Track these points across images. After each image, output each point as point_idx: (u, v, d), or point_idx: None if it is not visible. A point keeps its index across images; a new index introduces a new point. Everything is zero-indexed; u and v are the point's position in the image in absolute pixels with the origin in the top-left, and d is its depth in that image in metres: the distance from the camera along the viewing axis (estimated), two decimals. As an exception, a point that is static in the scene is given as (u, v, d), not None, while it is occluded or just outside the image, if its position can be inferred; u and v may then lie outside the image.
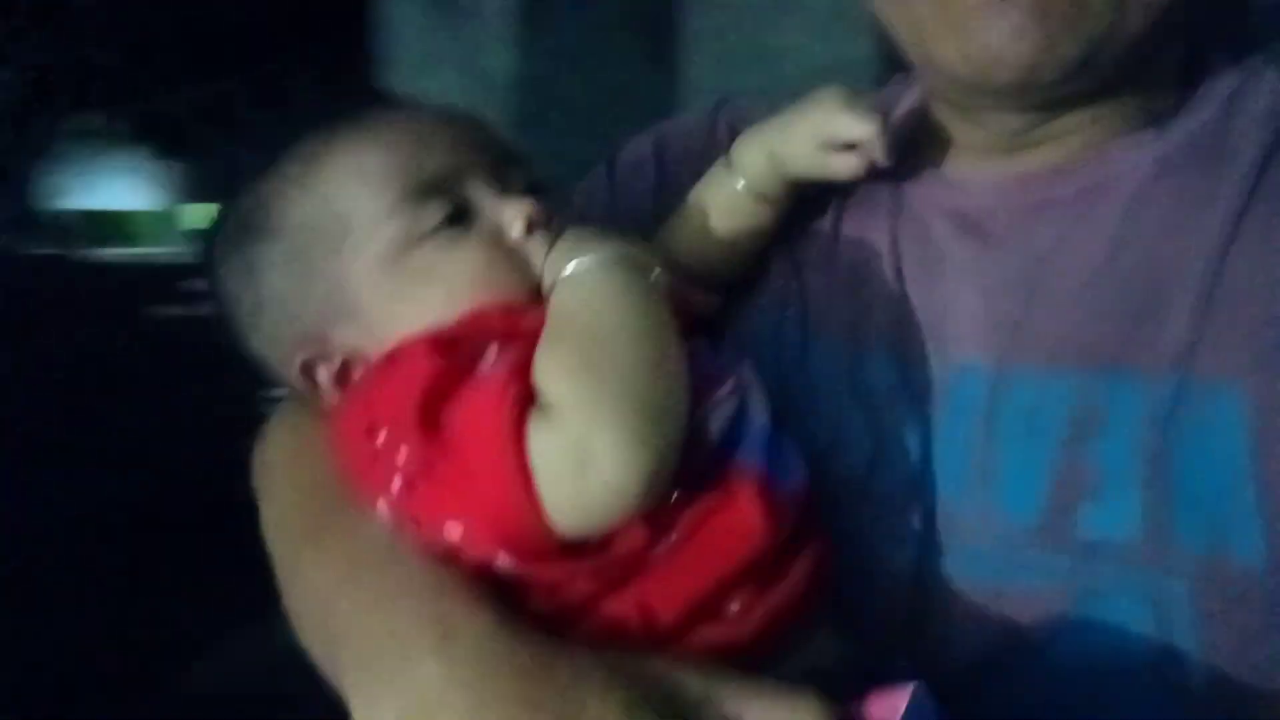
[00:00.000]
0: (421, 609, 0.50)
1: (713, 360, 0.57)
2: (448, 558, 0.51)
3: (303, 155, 0.61)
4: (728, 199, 0.64)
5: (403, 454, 0.52)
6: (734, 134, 0.67)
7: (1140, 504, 0.51)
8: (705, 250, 0.65)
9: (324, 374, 0.60)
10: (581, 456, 0.48)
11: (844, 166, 0.60)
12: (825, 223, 0.67)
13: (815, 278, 0.66)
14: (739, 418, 0.54)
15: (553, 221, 0.60)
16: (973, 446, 0.56)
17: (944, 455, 0.57)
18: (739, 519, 0.51)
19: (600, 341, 0.51)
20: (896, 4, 0.59)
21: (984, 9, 0.54)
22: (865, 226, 0.65)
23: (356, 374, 0.60)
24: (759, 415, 0.55)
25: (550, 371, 0.50)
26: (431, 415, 0.51)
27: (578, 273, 0.54)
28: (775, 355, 0.64)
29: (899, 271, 0.63)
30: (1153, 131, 0.59)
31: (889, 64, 0.67)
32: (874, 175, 0.62)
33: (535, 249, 0.59)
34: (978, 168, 0.63)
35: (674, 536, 0.51)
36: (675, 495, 0.51)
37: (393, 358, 0.56)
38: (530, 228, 0.59)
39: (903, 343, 0.61)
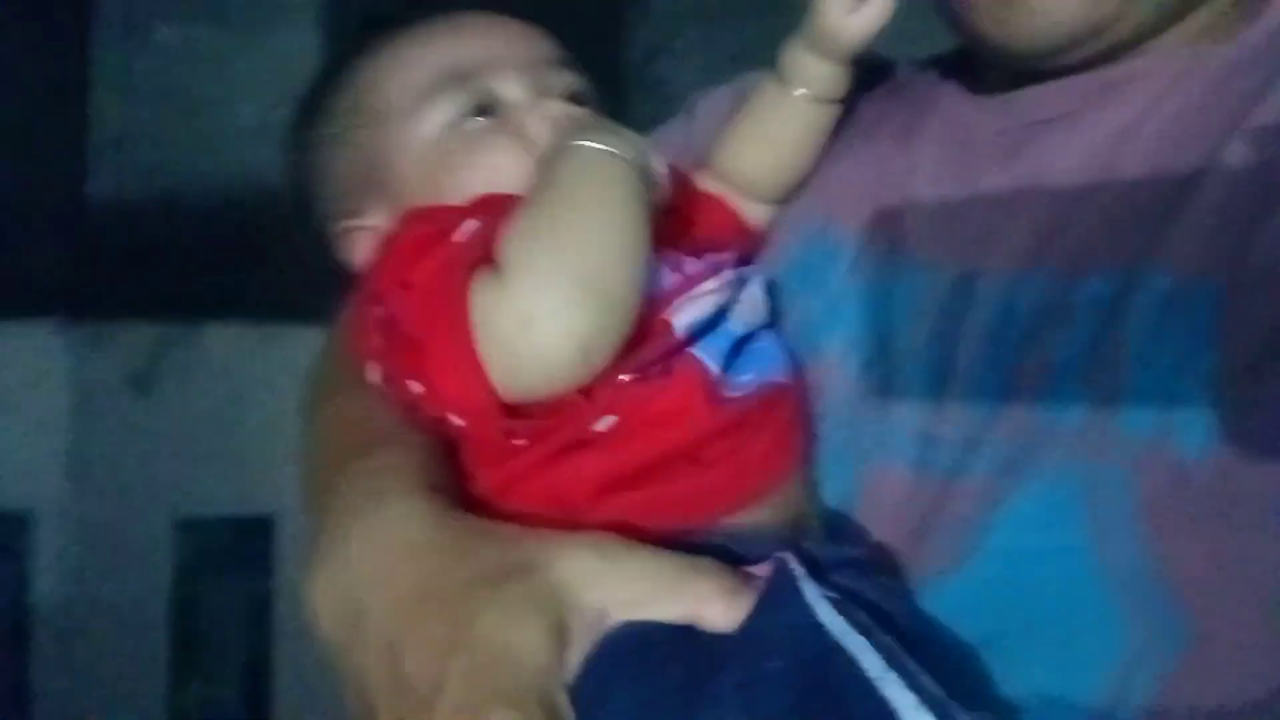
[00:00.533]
0: (367, 480, 0.51)
1: (707, 268, 0.59)
2: (413, 418, 0.54)
3: (355, 45, 0.66)
4: (788, 109, 0.65)
5: (377, 313, 0.55)
6: None
7: (1085, 393, 0.50)
8: (764, 166, 0.67)
9: (359, 245, 0.64)
10: (522, 317, 0.49)
11: (873, 11, 0.60)
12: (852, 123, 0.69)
13: (837, 169, 0.68)
14: (710, 320, 0.56)
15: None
16: (940, 344, 0.57)
17: (912, 353, 0.58)
18: (676, 406, 0.53)
19: (565, 214, 0.52)
20: None
21: None
22: (886, 145, 0.67)
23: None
24: (735, 323, 0.57)
25: (510, 234, 0.52)
26: (402, 276, 0.54)
27: (569, 147, 0.55)
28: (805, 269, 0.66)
29: (904, 179, 0.64)
30: (1211, 44, 0.56)
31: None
32: (908, 92, 0.66)
33: (549, 138, 0.60)
34: (1006, 85, 0.62)
35: (616, 417, 0.52)
36: (628, 378, 0.52)
37: (399, 228, 0.59)
38: (553, 125, 0.61)
39: (888, 240, 0.63)
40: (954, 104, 0.65)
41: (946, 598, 0.51)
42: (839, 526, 0.57)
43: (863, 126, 0.67)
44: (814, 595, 0.46)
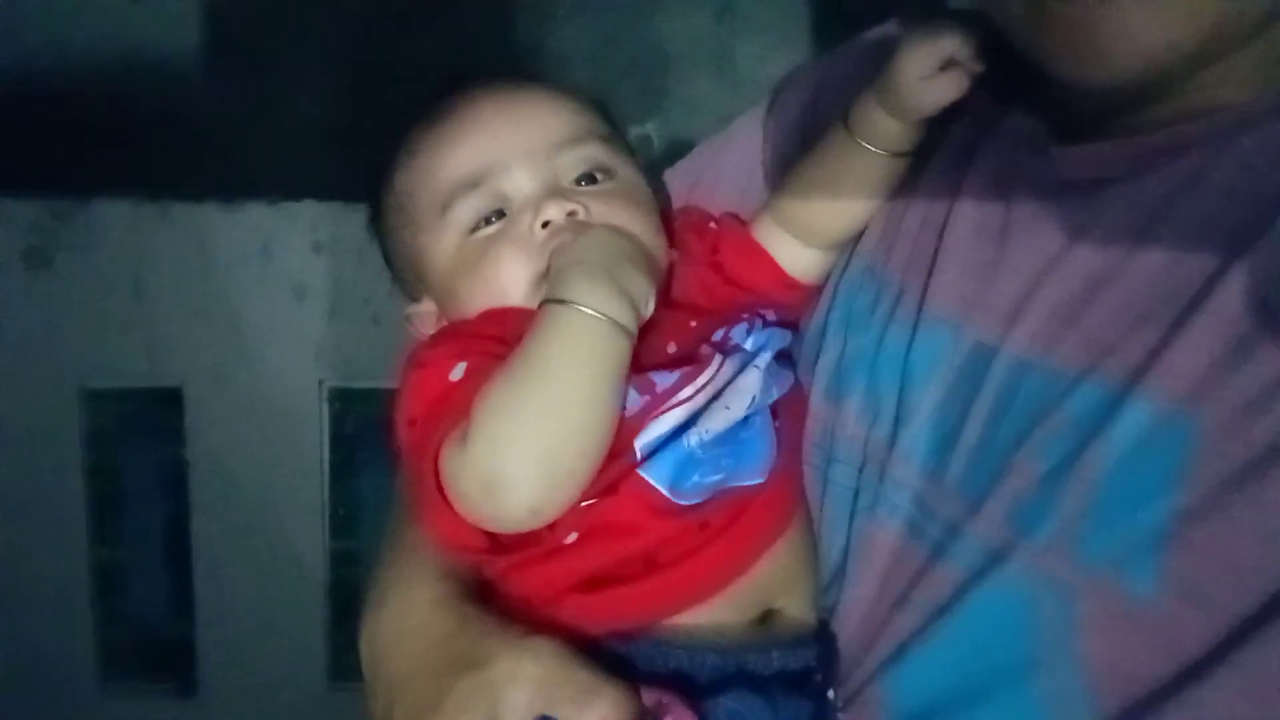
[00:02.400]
0: (405, 559, 0.63)
1: (682, 379, 0.59)
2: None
3: (404, 145, 0.69)
4: (854, 159, 0.65)
5: (401, 445, 0.62)
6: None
7: (1057, 509, 0.50)
8: (826, 214, 0.67)
9: (420, 325, 0.70)
10: (482, 482, 0.55)
11: (952, 84, 0.60)
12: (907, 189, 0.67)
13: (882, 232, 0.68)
14: (669, 435, 0.58)
15: (578, 220, 0.63)
16: (950, 415, 0.57)
17: (922, 413, 0.59)
18: (625, 521, 0.57)
19: (533, 386, 0.55)
20: (1002, 15, 0.55)
21: (1084, 5, 0.49)
22: (937, 182, 0.65)
23: (437, 328, 0.69)
24: (706, 428, 0.59)
25: (481, 399, 0.56)
26: (408, 412, 0.60)
27: (552, 310, 0.57)
28: (848, 314, 0.66)
29: (945, 226, 0.62)
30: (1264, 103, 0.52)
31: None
32: (968, 143, 0.63)
33: (545, 246, 0.62)
34: (1058, 136, 0.60)
35: (575, 535, 0.58)
36: (586, 504, 0.57)
37: (412, 356, 0.63)
38: (550, 229, 0.63)
39: (920, 299, 0.62)
40: (1006, 145, 0.63)
41: (910, 667, 0.55)
42: (833, 582, 0.61)
43: (919, 156, 0.66)
44: None
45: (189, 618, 1.82)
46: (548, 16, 1.65)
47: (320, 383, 1.75)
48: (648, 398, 0.58)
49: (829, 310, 0.67)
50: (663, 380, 0.59)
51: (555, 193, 0.64)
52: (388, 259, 0.72)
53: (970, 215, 0.61)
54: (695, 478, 0.58)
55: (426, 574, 0.61)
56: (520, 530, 0.57)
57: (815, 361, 0.66)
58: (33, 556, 1.77)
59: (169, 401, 1.75)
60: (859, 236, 0.68)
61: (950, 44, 0.60)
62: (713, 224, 0.71)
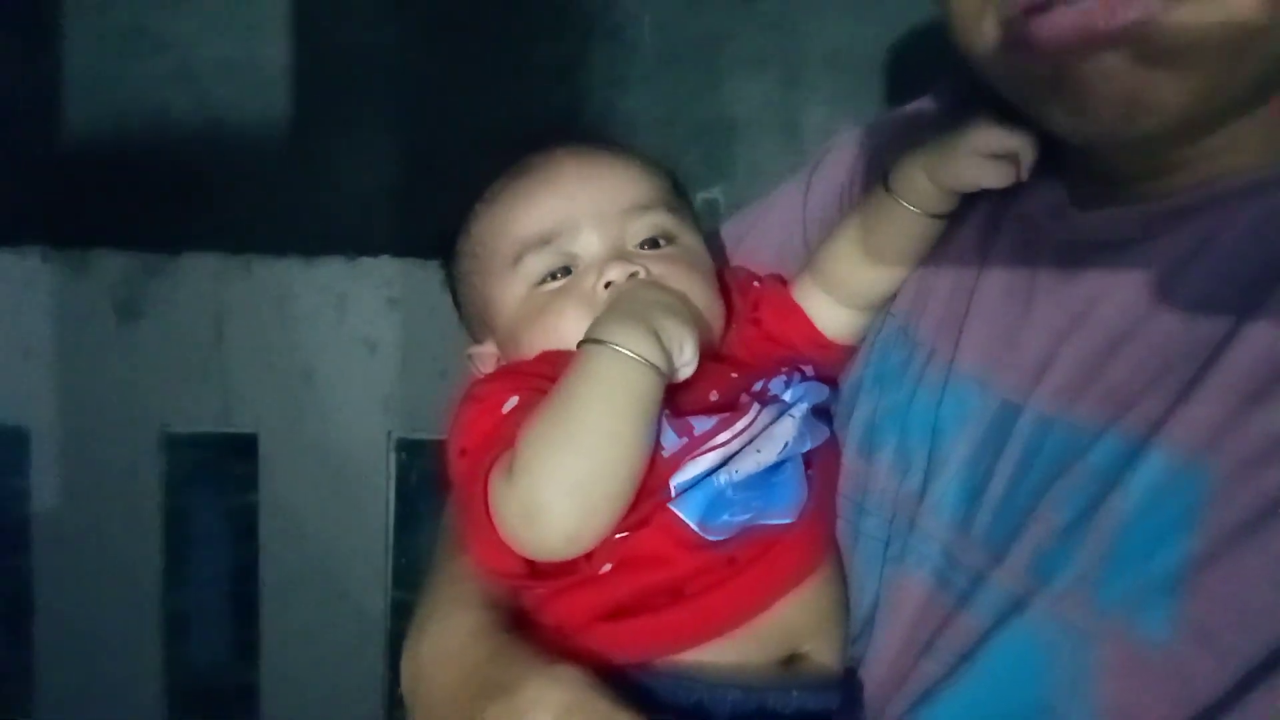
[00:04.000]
0: (449, 587, 0.66)
1: (720, 423, 0.62)
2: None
3: (483, 196, 0.74)
4: (894, 220, 0.67)
5: (452, 476, 0.65)
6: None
7: (1075, 558, 0.51)
8: (864, 272, 0.70)
9: (481, 366, 0.74)
10: (523, 512, 0.57)
11: (1001, 173, 0.62)
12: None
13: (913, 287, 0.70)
14: (702, 475, 0.60)
15: (639, 279, 0.66)
16: (978, 470, 0.58)
17: (951, 468, 0.60)
18: (655, 553, 0.60)
19: (572, 420, 0.58)
20: (995, 73, 0.56)
21: (1080, 61, 0.50)
22: (966, 246, 0.67)
23: (495, 368, 0.73)
24: (736, 469, 0.61)
25: (525, 432, 0.58)
26: (461, 442, 0.63)
27: (592, 349, 0.59)
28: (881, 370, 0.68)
29: (974, 289, 0.64)
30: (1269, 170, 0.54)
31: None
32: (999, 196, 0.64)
33: (606, 304, 0.65)
34: (1080, 198, 0.61)
35: (609, 565, 0.60)
36: (620, 536, 0.60)
37: (468, 390, 0.67)
38: (611, 289, 0.67)
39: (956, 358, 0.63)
40: (1028, 213, 0.64)
41: (933, 712, 0.56)
42: (863, 631, 0.62)
43: (951, 222, 0.68)
44: None
45: (253, 663, 1.84)
46: (617, 84, 1.69)
47: (389, 434, 1.78)
48: (685, 440, 0.61)
49: (864, 368, 0.70)
50: (701, 424, 0.62)
51: (620, 255, 0.68)
52: (456, 301, 0.76)
53: (997, 278, 0.63)
54: (725, 516, 0.60)
55: (467, 602, 0.64)
56: (558, 558, 0.59)
57: (850, 417, 0.68)
58: (106, 596, 1.81)
59: (243, 449, 1.79)
60: (893, 298, 0.71)
61: (1019, 141, 0.61)
62: (756, 283, 0.74)
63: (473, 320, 0.76)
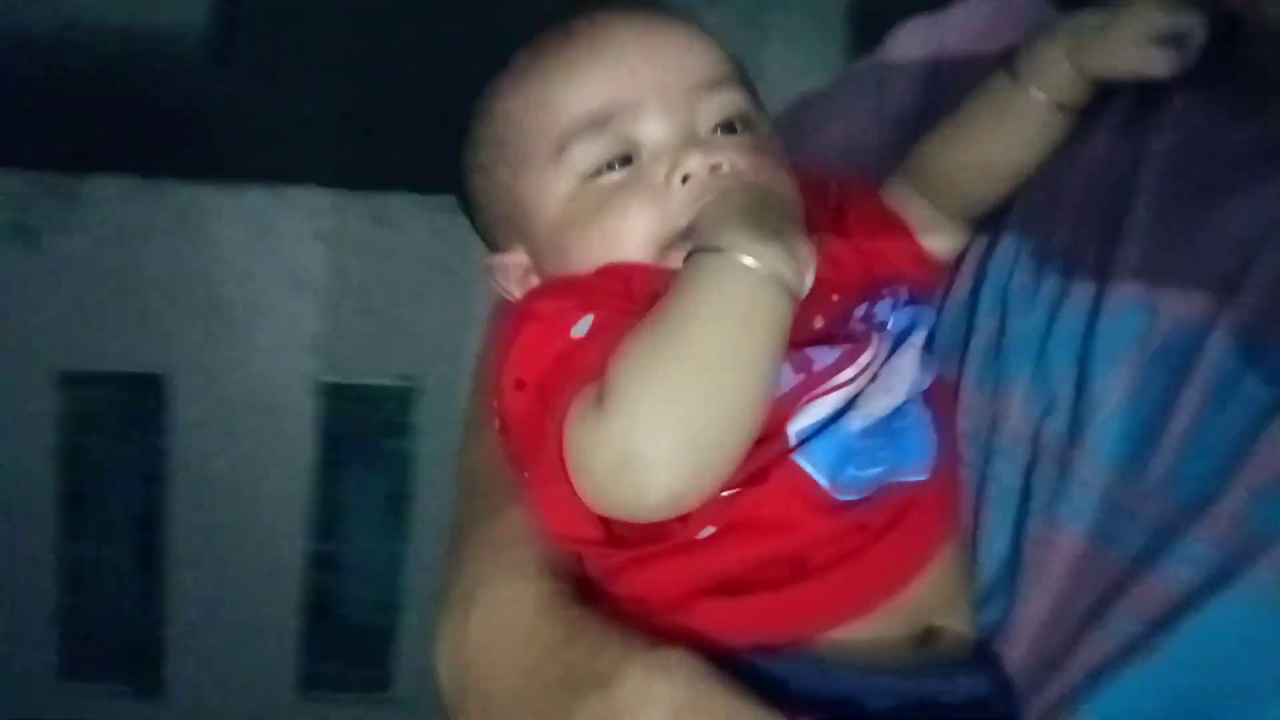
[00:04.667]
0: (495, 552, 0.56)
1: (843, 358, 0.54)
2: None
3: (509, 68, 0.61)
4: (1019, 112, 0.59)
5: (495, 406, 0.55)
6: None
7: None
8: (979, 175, 0.62)
9: (506, 280, 0.62)
10: (618, 460, 0.47)
11: (1170, 61, 0.55)
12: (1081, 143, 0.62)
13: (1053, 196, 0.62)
14: (828, 419, 0.52)
15: (722, 174, 0.55)
16: (1147, 406, 0.52)
17: (1110, 405, 0.53)
18: (775, 516, 0.51)
19: (684, 349, 0.48)
20: None
21: None
22: (1109, 147, 0.60)
23: (531, 283, 0.61)
24: (866, 412, 0.53)
25: (621, 359, 0.48)
26: (516, 373, 0.53)
27: (705, 259, 0.50)
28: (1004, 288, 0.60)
29: (1127, 197, 0.57)
30: None
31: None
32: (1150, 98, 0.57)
33: (687, 203, 0.55)
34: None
35: (711, 529, 0.51)
36: (729, 494, 0.50)
37: (520, 308, 0.56)
38: (690, 183, 0.55)
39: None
40: (1199, 102, 0.57)
41: (1115, 695, 0.49)
42: (994, 594, 0.54)
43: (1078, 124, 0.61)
44: None
45: (158, 616, 1.78)
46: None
47: (313, 377, 1.72)
48: (803, 376, 0.52)
49: (973, 291, 0.61)
50: (821, 358, 0.52)
51: (695, 142, 0.56)
52: (470, 199, 0.64)
53: (1160, 185, 0.56)
54: (851, 470, 0.51)
55: (524, 571, 0.54)
56: (654, 519, 0.49)
57: (964, 347, 0.60)
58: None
59: (150, 390, 1.71)
60: (1005, 210, 0.62)
61: (1192, 21, 0.54)
62: (834, 186, 0.64)
63: (495, 223, 0.63)
